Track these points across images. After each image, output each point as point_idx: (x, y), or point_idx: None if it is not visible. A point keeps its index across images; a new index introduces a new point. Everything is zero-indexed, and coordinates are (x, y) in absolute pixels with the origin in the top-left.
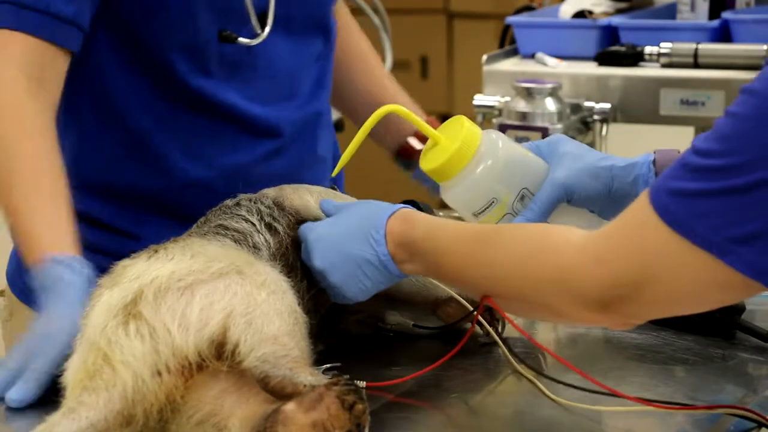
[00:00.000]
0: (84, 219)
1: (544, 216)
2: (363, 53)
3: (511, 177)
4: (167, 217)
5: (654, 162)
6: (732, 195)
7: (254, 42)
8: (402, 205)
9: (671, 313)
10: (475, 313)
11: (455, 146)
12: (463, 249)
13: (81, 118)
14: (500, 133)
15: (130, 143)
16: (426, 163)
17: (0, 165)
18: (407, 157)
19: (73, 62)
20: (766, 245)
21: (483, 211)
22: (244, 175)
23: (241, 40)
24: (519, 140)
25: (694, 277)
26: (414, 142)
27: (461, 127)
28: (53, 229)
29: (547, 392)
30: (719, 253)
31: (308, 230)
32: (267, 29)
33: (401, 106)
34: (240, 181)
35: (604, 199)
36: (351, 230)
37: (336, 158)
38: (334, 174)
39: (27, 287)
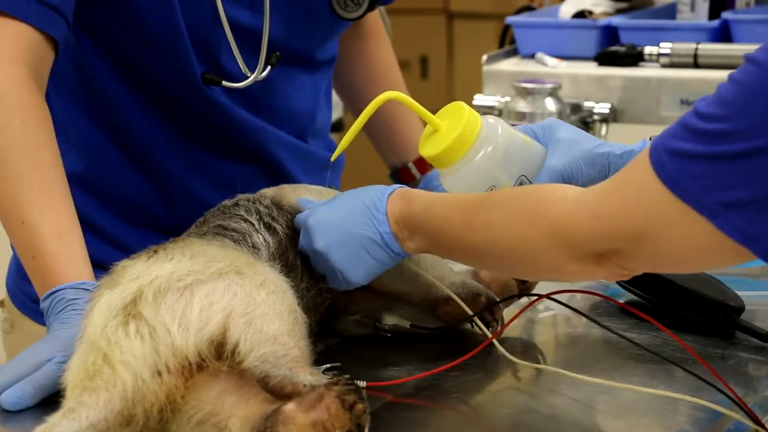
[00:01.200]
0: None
1: None
2: (387, 68)
3: (511, 164)
4: (160, 233)
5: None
6: (727, 160)
7: (240, 85)
8: (400, 185)
9: (665, 270)
10: (479, 315)
11: (456, 132)
12: (461, 215)
13: (84, 129)
14: (499, 119)
15: (129, 152)
16: (426, 150)
17: (6, 162)
18: (403, 180)
19: (74, 77)
20: (756, 212)
21: None
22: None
23: (226, 84)
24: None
25: (686, 238)
26: (414, 170)
27: (461, 112)
28: (68, 252)
29: (554, 371)
30: (709, 216)
31: (306, 215)
32: (254, 74)
33: (401, 93)
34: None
35: None
36: (352, 211)
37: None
38: (333, 158)
39: (28, 298)
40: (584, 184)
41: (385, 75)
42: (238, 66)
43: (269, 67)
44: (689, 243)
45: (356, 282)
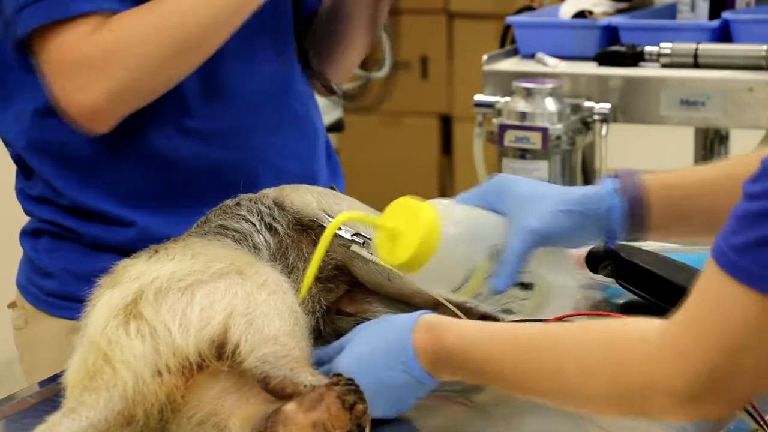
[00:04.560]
0: (91, 216)
1: (521, 265)
2: None
3: (479, 242)
4: (175, 208)
5: (620, 189)
6: None
7: None
8: (420, 312)
9: None
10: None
11: (419, 235)
12: (516, 357)
13: None
14: (450, 202)
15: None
16: (392, 258)
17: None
18: None
19: None
20: None
21: (462, 285)
22: (232, 140)
23: None
24: (518, 140)
25: None
26: None
27: (414, 211)
28: None
29: None
30: None
31: (333, 367)
32: None
33: (350, 213)
34: (232, 147)
35: (577, 235)
36: (377, 357)
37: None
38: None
39: (41, 292)
40: (560, 237)
41: None
42: None
43: None
44: None
45: (391, 417)
